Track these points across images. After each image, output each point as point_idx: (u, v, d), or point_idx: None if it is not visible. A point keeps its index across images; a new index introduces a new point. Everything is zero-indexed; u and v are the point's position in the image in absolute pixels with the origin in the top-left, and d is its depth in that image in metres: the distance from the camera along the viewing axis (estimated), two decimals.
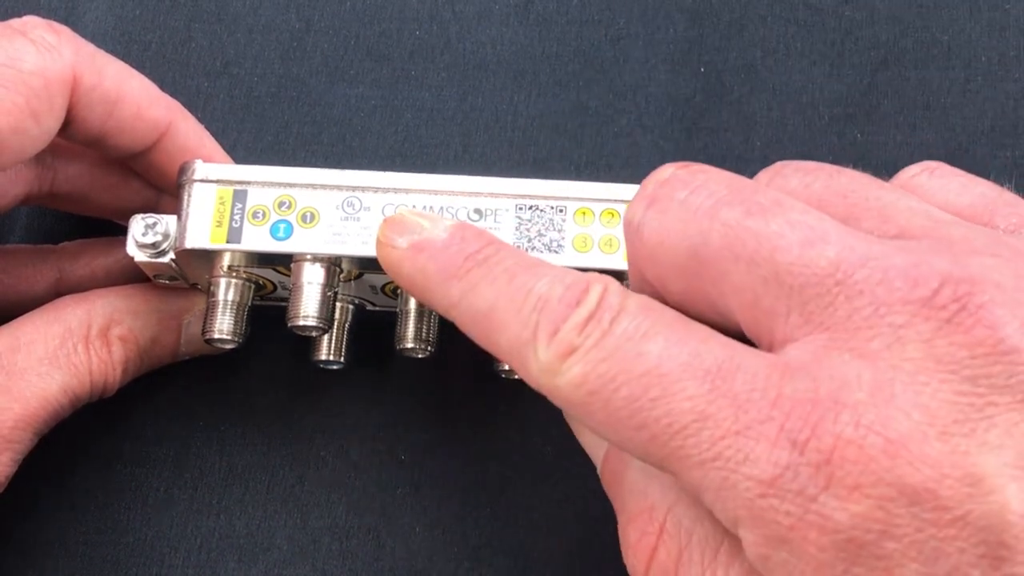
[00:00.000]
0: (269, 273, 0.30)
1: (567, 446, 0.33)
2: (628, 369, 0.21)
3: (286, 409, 0.33)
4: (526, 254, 0.24)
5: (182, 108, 0.31)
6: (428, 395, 0.33)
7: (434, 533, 0.32)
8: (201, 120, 0.33)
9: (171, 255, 0.28)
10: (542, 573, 0.31)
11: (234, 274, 0.29)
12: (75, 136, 0.29)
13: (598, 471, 0.25)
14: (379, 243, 0.26)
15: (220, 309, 0.29)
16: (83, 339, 0.28)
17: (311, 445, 0.33)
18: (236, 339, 0.29)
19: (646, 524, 0.23)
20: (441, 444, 0.33)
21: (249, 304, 0.30)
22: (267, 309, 0.31)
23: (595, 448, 0.25)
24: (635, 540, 0.23)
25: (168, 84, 0.36)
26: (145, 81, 0.30)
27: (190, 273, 0.30)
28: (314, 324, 0.28)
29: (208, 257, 0.29)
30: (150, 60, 0.37)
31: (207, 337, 0.29)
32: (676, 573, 0.22)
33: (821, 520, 0.19)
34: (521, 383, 0.33)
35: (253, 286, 0.30)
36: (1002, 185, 0.26)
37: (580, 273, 0.23)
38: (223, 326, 0.29)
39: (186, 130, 0.31)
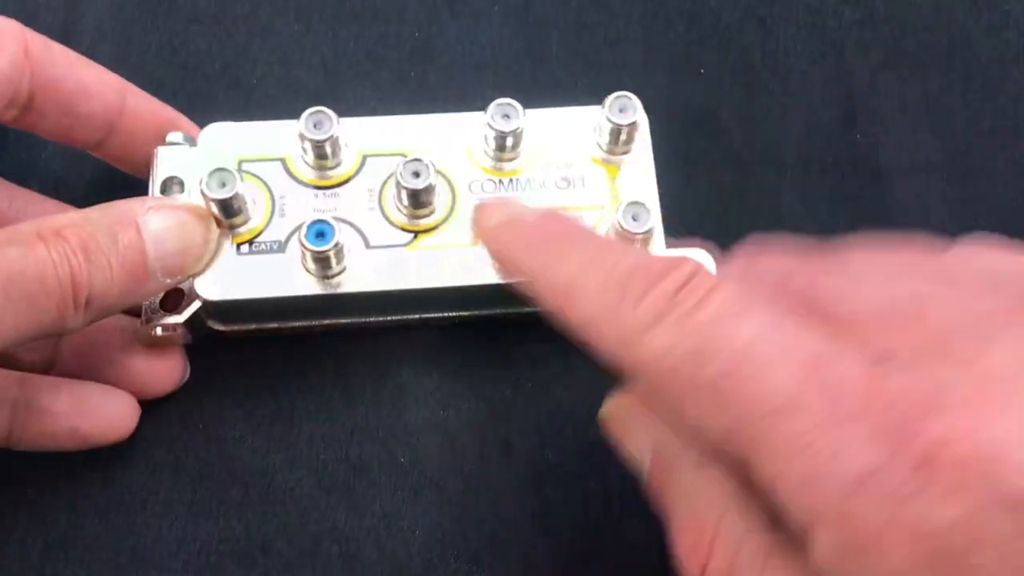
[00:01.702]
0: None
1: (567, 449, 0.33)
2: (721, 343, 0.20)
3: (285, 412, 0.33)
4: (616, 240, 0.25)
5: (130, 85, 0.32)
6: (427, 398, 0.33)
7: (434, 536, 0.32)
8: (199, 123, 0.33)
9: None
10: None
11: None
12: (41, 108, 0.30)
13: (643, 477, 0.25)
14: (475, 221, 0.29)
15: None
16: (34, 233, 0.27)
17: (311, 448, 0.32)
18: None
19: (698, 533, 0.22)
20: (440, 447, 0.33)
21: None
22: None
23: (641, 454, 0.25)
24: (688, 548, 0.23)
25: (167, 86, 0.37)
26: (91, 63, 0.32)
27: None
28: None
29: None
30: (149, 62, 0.37)
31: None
32: None
33: (914, 525, 0.18)
34: (521, 384, 0.33)
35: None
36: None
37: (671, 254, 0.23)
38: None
39: (140, 101, 0.32)
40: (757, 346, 0.20)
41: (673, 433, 0.24)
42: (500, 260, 0.27)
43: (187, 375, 0.33)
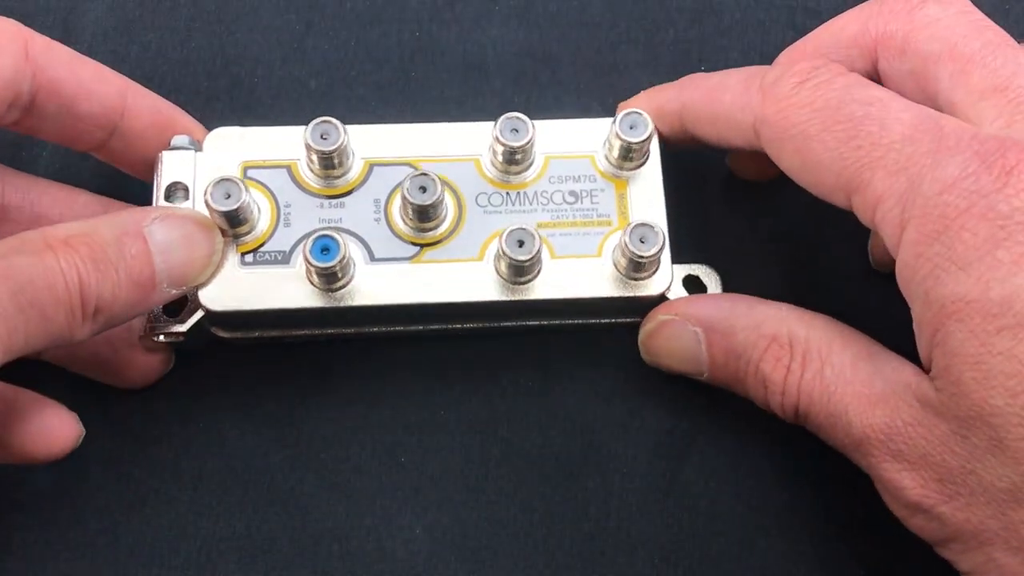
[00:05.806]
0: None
1: (567, 449, 0.33)
2: (856, 97, 0.27)
3: (286, 411, 0.33)
4: None
5: (131, 83, 0.32)
6: (428, 398, 0.33)
7: (434, 535, 0.32)
8: (200, 121, 0.33)
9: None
10: (542, 575, 0.31)
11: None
12: (42, 109, 0.30)
13: (700, 359, 0.30)
14: None
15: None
16: (41, 242, 0.27)
17: (311, 447, 0.33)
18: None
19: (780, 345, 0.28)
20: (441, 447, 0.33)
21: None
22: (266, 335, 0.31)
23: (692, 341, 0.30)
24: (774, 363, 0.28)
25: (168, 84, 0.37)
26: (92, 61, 0.32)
27: None
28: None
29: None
30: (150, 60, 0.37)
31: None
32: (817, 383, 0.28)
33: (985, 212, 0.24)
34: (521, 384, 0.33)
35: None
36: None
37: None
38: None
39: (141, 99, 0.32)
40: (884, 101, 0.26)
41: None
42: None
43: (171, 365, 0.33)
